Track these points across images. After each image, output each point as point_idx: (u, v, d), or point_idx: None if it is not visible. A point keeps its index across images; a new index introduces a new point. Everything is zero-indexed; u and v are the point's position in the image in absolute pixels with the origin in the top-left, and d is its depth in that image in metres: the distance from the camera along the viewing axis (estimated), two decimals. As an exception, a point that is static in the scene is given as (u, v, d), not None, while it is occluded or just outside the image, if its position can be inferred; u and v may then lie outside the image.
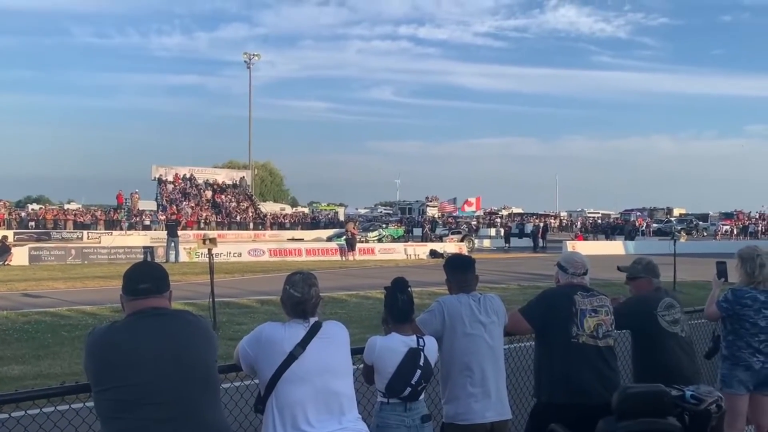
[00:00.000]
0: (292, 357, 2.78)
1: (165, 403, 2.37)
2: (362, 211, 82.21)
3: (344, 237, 31.18)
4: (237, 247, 29.93)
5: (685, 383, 3.71)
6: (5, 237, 26.55)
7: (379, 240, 39.63)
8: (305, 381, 2.77)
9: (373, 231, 43.50)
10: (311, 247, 31.66)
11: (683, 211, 72.93)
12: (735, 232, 53.70)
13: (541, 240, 41.66)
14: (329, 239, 38.24)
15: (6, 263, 23.73)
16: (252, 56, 59.56)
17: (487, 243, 42.76)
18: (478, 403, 3.42)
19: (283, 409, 2.76)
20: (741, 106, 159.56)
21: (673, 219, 63.83)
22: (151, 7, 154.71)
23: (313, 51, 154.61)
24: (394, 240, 40.50)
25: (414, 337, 3.33)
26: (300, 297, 2.90)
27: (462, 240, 38.80)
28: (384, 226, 48.10)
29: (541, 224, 47.45)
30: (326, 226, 52.02)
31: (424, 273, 18.75)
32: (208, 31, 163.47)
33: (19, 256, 24.73)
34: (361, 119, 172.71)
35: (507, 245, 40.51)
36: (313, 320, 2.92)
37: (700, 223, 61.80)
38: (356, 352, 3.74)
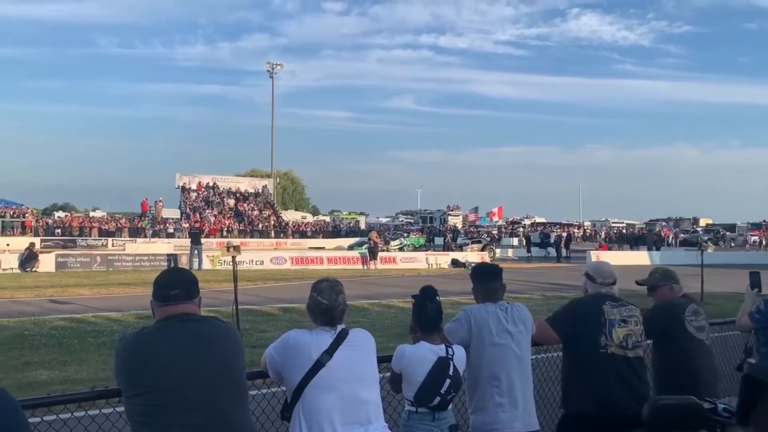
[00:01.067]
0: (319, 364, 2.78)
1: (194, 409, 2.38)
2: (383, 220, 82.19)
3: (366, 246, 31.17)
4: (259, 255, 30.07)
5: (707, 393, 3.64)
6: (32, 244, 26.98)
7: (401, 249, 39.58)
8: (333, 388, 2.77)
9: (394, 240, 43.47)
10: (333, 256, 31.72)
11: (710, 222, 71.80)
12: (764, 243, 52.69)
13: (564, 250, 41.28)
14: (350, 248, 38.31)
15: (33, 270, 24.12)
16: (275, 66, 60.14)
17: (510, 252, 42.43)
18: (506, 414, 3.38)
19: (310, 417, 2.75)
20: (767, 114, 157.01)
21: (699, 229, 62.85)
22: (174, 18, 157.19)
23: (334, 60, 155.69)
24: (416, 249, 40.39)
25: (443, 346, 3.32)
26: (327, 304, 2.90)
27: (483, 249, 38.59)
28: (405, 235, 48.05)
29: (565, 234, 47.05)
30: (347, 235, 52.16)
31: (446, 282, 18.67)
32: (230, 42, 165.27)
33: (46, 262, 25.11)
34: (382, 128, 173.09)
35: (529, 254, 40.18)
36: (340, 327, 2.92)
37: (728, 233, 60.76)
38: (381, 360, 3.73)
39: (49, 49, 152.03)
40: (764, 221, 62.50)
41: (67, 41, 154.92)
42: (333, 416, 2.75)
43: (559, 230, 49.23)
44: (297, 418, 2.79)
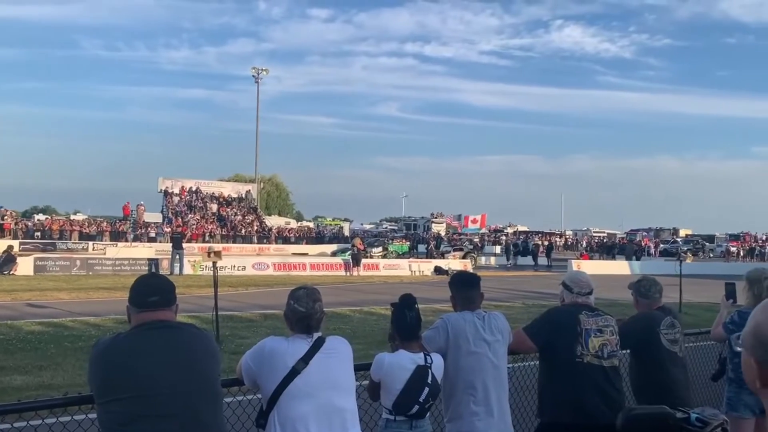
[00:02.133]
0: (294, 372, 2.77)
1: (169, 416, 2.37)
2: (367, 227, 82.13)
3: (350, 252, 31.14)
4: (241, 260, 29.93)
5: (679, 403, 3.69)
6: (11, 247, 26.62)
7: (384, 256, 39.57)
8: (308, 396, 2.76)
9: (377, 246, 43.46)
10: (315, 262, 31.65)
11: (689, 232, 72.65)
12: (742, 254, 53.43)
13: (546, 258, 41.54)
14: (333, 254, 38.23)
15: (11, 273, 23.79)
16: (260, 71, 60.07)
17: (492, 260, 42.60)
18: (481, 422, 3.40)
19: (285, 424, 2.75)
20: (747, 128, 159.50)
21: (679, 240, 63.55)
22: (159, 21, 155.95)
23: (320, 67, 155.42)
24: (399, 256, 40.39)
25: (422, 354, 3.33)
26: (304, 312, 2.89)
27: (464, 257, 38.69)
28: (389, 241, 48.06)
29: (546, 243, 47.33)
30: (331, 241, 52.04)
31: (428, 290, 18.69)
32: (215, 46, 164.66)
33: (24, 266, 24.79)
34: (366, 135, 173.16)
35: (511, 263, 40.35)
36: (316, 335, 2.91)
37: (707, 244, 61.52)
38: (361, 368, 3.73)
39: (32, 50, 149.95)
40: (742, 233, 63.42)
41: (51, 43, 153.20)
42: (308, 424, 2.74)
43: (536, 239, 49.46)
44: (272, 425, 2.79)
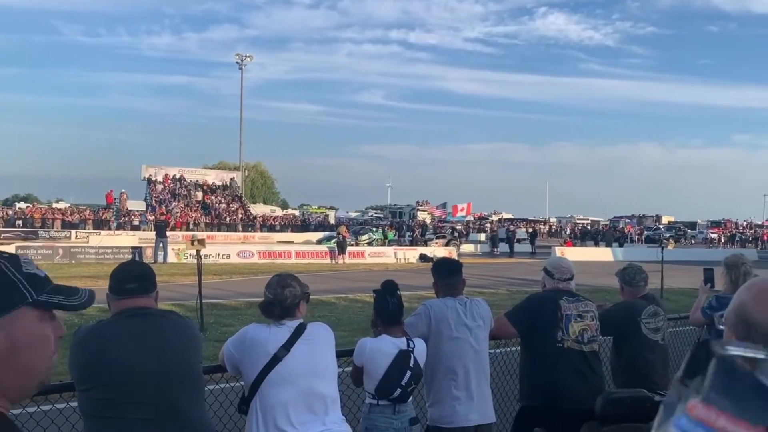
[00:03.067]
0: (276, 359, 2.79)
1: (149, 403, 2.37)
2: (353, 215, 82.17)
3: (335, 240, 31.12)
4: (226, 248, 29.79)
5: (657, 388, 3.75)
6: (-8, 235, 26.34)
7: (370, 243, 39.57)
8: (289, 383, 2.78)
9: (363, 234, 43.47)
10: (301, 250, 31.58)
11: (672, 219, 73.43)
12: (722, 240, 54.14)
13: (530, 246, 41.79)
14: (319, 242, 38.13)
15: (-8, 262, 23.54)
16: (244, 57, 59.50)
17: (471, 247, 42.57)
18: (462, 406, 3.44)
19: (267, 411, 2.76)
20: (728, 116, 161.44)
21: (661, 226, 64.23)
22: (140, 6, 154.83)
23: (304, 53, 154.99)
24: (383, 244, 40.36)
25: (404, 339, 3.36)
26: (272, 298, 2.91)
27: (447, 244, 38.78)
28: (374, 229, 48.15)
29: (530, 230, 47.61)
30: (316, 229, 51.95)
31: (413, 277, 18.75)
32: (198, 32, 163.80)
33: (6, 254, 24.51)
34: (352, 122, 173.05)
35: (495, 250, 40.51)
36: (296, 322, 2.92)
37: (689, 230, 62.24)
38: (345, 354, 3.74)
39: (11, 36, 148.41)
40: (724, 219, 64.21)
41: (30, 29, 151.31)
42: (290, 410, 2.76)
43: (510, 226, 49.60)
44: (254, 412, 2.80)
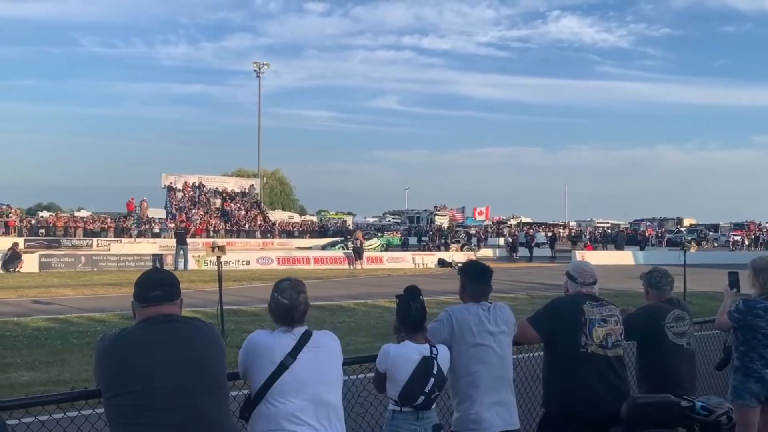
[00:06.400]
0: (283, 366, 2.77)
1: (174, 409, 2.38)
2: (370, 220, 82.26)
3: (353, 246, 31.15)
4: (245, 255, 29.96)
5: (683, 394, 3.69)
6: (16, 244, 26.72)
7: (374, 248, 39.42)
8: (297, 391, 2.76)
9: (369, 239, 43.47)
10: (319, 256, 31.66)
11: (693, 222, 72.54)
12: (746, 243, 53.33)
13: (549, 250, 41.47)
14: (324, 248, 38.09)
15: (16, 270, 23.88)
16: (261, 65, 59.93)
17: (489, 252, 42.24)
18: (487, 413, 3.40)
19: (273, 419, 2.74)
20: (746, 117, 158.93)
21: (683, 229, 63.46)
22: (156, 17, 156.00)
23: (318, 61, 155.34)
24: (385, 249, 40.16)
25: (427, 345, 3.33)
26: (288, 304, 2.88)
27: (461, 249, 38.59)
28: (379, 234, 48.35)
29: (549, 234, 47.29)
30: (334, 235, 52.05)
31: (432, 282, 18.73)
32: (213, 41, 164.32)
33: (30, 263, 24.88)
34: (367, 128, 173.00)
35: (515, 255, 40.22)
36: (302, 329, 2.90)
37: (711, 233, 61.40)
38: (366, 360, 3.74)
39: (31, 48, 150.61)
40: (746, 221, 63.26)
41: (49, 40, 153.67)
42: (296, 418, 2.73)
43: (529, 230, 49.25)
44: (258, 419, 2.78)
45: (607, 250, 44.36)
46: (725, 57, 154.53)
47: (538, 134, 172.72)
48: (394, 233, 51.23)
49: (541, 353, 3.96)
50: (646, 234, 55.23)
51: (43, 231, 44.94)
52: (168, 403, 2.37)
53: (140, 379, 2.38)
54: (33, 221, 49.32)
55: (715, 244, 57.19)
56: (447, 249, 38.15)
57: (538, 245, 41.63)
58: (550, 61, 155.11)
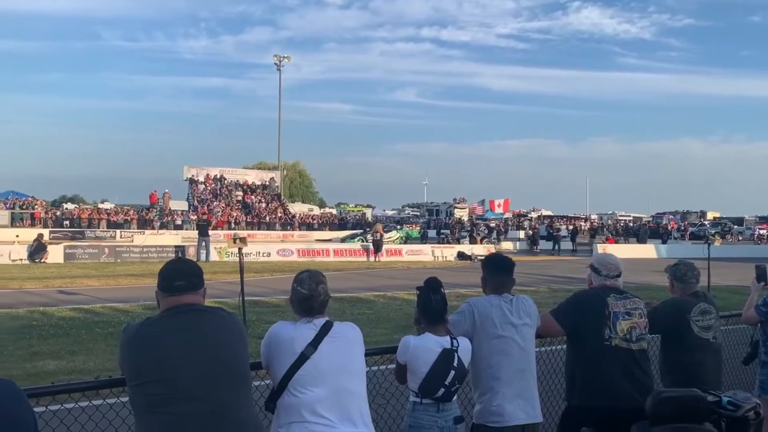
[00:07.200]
0: (304, 357, 2.77)
1: (198, 398, 2.40)
2: (390, 213, 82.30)
3: (372, 238, 31.17)
4: (266, 247, 30.13)
5: (708, 388, 3.63)
6: (41, 235, 27.14)
7: (393, 241, 39.32)
8: (319, 381, 2.76)
9: (388, 232, 43.43)
10: (339, 248, 31.74)
11: (717, 215, 71.44)
12: (772, 236, 52.40)
13: (570, 243, 41.10)
14: (343, 240, 38.13)
15: (42, 261, 24.28)
16: (282, 58, 60.03)
17: (510, 245, 41.88)
18: (510, 405, 3.38)
19: (295, 409, 2.75)
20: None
21: (706, 222, 62.55)
22: (177, 11, 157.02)
23: (337, 54, 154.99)
24: (404, 242, 40.04)
25: (448, 337, 3.32)
26: (307, 293, 2.90)
27: (481, 242, 38.36)
28: (398, 227, 48.31)
29: (570, 227, 46.89)
30: (354, 227, 52.13)
31: (452, 275, 18.68)
32: (233, 35, 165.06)
33: (55, 254, 25.25)
34: (386, 121, 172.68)
35: (536, 248, 39.90)
36: (323, 320, 2.91)
37: (735, 226, 60.44)
38: (386, 351, 3.74)
39: (55, 42, 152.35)
40: (772, 214, 62.16)
41: (72, 35, 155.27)
42: (320, 408, 2.74)
43: (555, 223, 48.84)
44: (282, 410, 2.79)
45: (629, 243, 43.90)
46: (750, 47, 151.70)
47: (559, 126, 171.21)
48: (413, 226, 51.17)
49: (563, 346, 3.93)
50: (669, 227, 54.49)
51: (67, 222, 45.58)
52: (191, 392, 2.39)
53: (164, 368, 2.39)
54: (58, 213, 50.04)
55: (740, 238, 56.32)
56: (474, 241, 37.92)
57: (563, 238, 41.23)
58: (570, 52, 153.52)
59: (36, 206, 47.91)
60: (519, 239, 46.43)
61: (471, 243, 37.14)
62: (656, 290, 13.37)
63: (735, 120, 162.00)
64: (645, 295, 4.30)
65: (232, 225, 46.94)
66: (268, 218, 51.51)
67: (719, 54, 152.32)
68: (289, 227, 50.75)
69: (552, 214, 69.07)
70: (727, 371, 4.69)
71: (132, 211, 52.52)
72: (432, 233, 48.71)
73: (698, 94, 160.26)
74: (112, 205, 63.89)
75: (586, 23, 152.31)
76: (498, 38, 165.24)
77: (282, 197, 59.36)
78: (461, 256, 31.04)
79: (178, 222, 47.09)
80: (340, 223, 56.50)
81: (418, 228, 50.82)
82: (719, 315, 4.23)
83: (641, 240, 42.19)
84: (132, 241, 35.36)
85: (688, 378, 3.79)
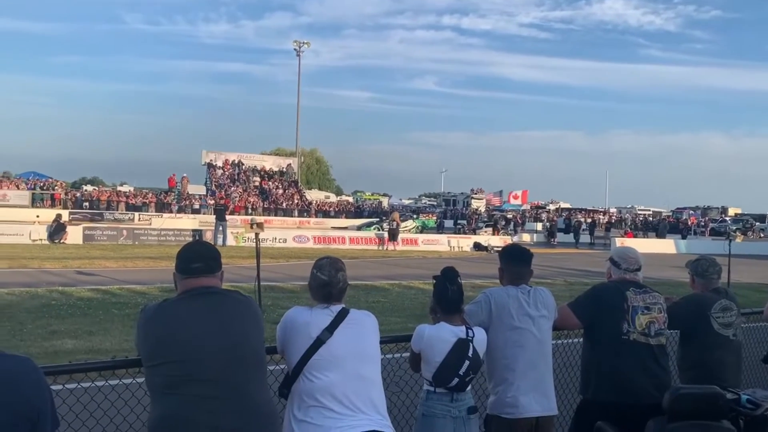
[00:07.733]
0: (319, 342, 2.77)
1: (213, 381, 2.40)
2: (406, 202, 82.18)
3: (389, 227, 31.15)
4: (282, 233, 30.26)
5: (726, 386, 3.58)
6: (60, 216, 27.45)
7: (409, 230, 39.22)
8: (334, 366, 2.75)
9: (404, 221, 43.35)
10: (354, 236, 31.78)
11: (739, 211, 70.43)
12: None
13: (589, 236, 40.78)
14: (359, 228, 38.12)
15: (61, 241, 24.58)
16: (302, 44, 59.90)
17: (527, 237, 41.59)
18: (525, 397, 3.36)
19: (310, 394, 2.74)
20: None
21: (728, 218, 61.71)
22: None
23: (357, 40, 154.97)
24: (420, 231, 39.90)
25: (463, 327, 3.29)
26: (326, 280, 2.89)
27: (495, 233, 38.13)
28: (415, 216, 48.18)
29: (589, 220, 46.51)
30: (370, 216, 52.15)
31: (468, 265, 18.62)
32: (253, 20, 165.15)
33: (74, 234, 25.55)
34: (405, 109, 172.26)
35: (553, 240, 39.62)
36: (339, 306, 2.90)
37: (757, 223, 59.56)
38: (401, 339, 3.73)
39: (77, 24, 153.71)
40: (796, 212, 61.18)
41: (94, 17, 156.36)
42: (335, 393, 2.73)
43: (578, 216, 48.46)
44: (296, 395, 2.79)
45: (647, 237, 43.44)
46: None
47: (580, 118, 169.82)
48: (430, 215, 51.06)
49: (580, 339, 3.89)
50: (689, 222, 53.86)
51: (87, 204, 46.13)
52: (206, 374, 2.40)
53: (180, 349, 2.40)
54: (77, 194, 50.63)
55: (762, 235, 55.53)
56: (496, 232, 37.68)
57: (582, 231, 40.89)
58: (593, 43, 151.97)
59: (56, 187, 48.55)
60: (536, 231, 46.12)
61: (494, 233, 36.91)
62: (675, 286, 13.24)
63: (760, 114, 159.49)
64: (664, 291, 4.24)
65: (249, 210, 47.20)
66: (284, 204, 51.70)
67: (745, 47, 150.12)
68: (305, 214, 50.92)
69: (570, 206, 68.53)
70: (746, 369, 4.62)
71: (150, 195, 52.96)
72: (449, 223, 48.55)
73: (722, 87, 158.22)
74: (131, 188, 64.56)
75: (609, 14, 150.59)
76: (520, 27, 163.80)
77: (299, 184, 59.47)
78: (477, 246, 30.93)
79: (196, 206, 47.44)
80: (357, 211, 56.53)
81: (435, 218, 50.77)
82: (740, 312, 4.16)
83: (660, 235, 41.70)
84: (150, 224, 35.63)
85: (707, 375, 3.74)
